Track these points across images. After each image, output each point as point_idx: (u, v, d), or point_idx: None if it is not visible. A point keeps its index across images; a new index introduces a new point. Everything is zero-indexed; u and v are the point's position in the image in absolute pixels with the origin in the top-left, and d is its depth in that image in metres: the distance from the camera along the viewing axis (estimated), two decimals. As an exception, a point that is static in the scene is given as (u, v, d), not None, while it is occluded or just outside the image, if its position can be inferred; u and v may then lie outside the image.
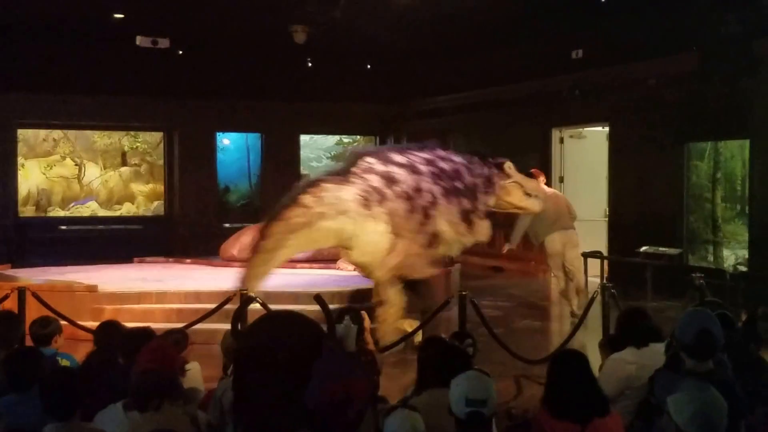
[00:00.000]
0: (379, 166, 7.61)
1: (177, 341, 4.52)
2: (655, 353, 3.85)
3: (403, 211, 7.44)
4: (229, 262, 11.01)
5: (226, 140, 16.02)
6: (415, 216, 7.45)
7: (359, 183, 7.45)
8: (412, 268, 7.49)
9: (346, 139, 17.13)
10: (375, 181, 7.50)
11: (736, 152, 10.19)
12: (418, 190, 7.51)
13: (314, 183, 7.63)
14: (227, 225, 14.17)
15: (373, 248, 7.44)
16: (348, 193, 7.40)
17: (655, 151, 10.86)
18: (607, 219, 12.00)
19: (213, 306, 7.20)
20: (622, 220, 11.41)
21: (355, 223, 7.37)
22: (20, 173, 14.60)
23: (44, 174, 14.94)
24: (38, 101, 14.01)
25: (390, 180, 7.53)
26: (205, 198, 15.30)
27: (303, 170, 16.54)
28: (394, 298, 7.44)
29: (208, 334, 6.59)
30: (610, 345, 4.33)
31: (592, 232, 12.04)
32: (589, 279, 10.96)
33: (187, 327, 6.30)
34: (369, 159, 7.69)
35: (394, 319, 7.42)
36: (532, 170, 9.17)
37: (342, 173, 7.60)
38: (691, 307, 4.47)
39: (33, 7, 11.68)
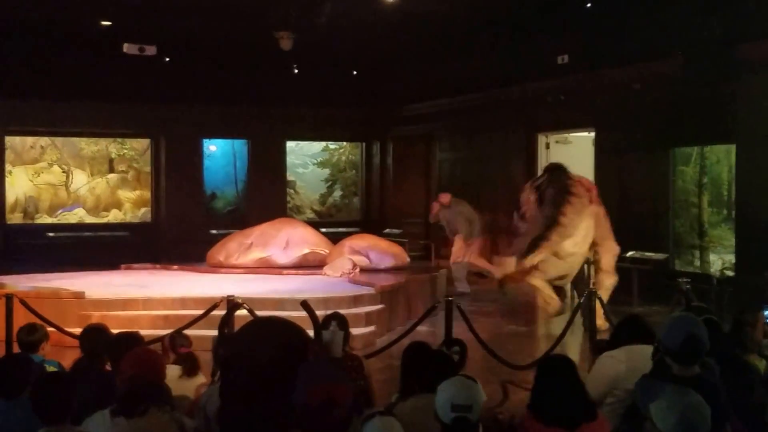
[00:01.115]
0: (573, 174, 8.98)
1: (182, 344, 4.54)
2: (647, 357, 3.85)
3: (603, 214, 8.87)
4: (215, 268, 10.99)
5: (212, 147, 16.00)
6: (607, 218, 8.92)
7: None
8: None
9: (332, 145, 17.15)
10: (586, 183, 8.98)
11: (722, 157, 10.26)
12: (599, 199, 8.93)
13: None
14: (214, 231, 14.13)
15: (583, 241, 8.66)
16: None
17: (641, 155, 10.93)
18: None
19: (199, 312, 7.17)
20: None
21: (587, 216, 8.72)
22: (7, 180, 14.53)
23: (32, 181, 14.88)
24: (25, 108, 13.96)
25: (586, 187, 8.86)
26: (191, 204, 15.26)
27: (289, 176, 16.56)
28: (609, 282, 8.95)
29: (195, 340, 6.55)
30: (605, 350, 4.31)
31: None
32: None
33: (174, 332, 6.27)
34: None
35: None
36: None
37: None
38: (677, 312, 4.49)
39: (20, 15, 11.65)
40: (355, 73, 15.61)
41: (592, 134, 12.10)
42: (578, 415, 3.09)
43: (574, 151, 12.77)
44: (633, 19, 10.83)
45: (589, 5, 10.80)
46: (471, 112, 14.14)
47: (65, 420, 3.11)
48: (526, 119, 12.97)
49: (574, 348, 7.79)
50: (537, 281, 9.09)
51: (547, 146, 12.91)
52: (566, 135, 12.89)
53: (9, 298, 6.98)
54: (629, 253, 10.30)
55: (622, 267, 10.22)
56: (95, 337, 4.33)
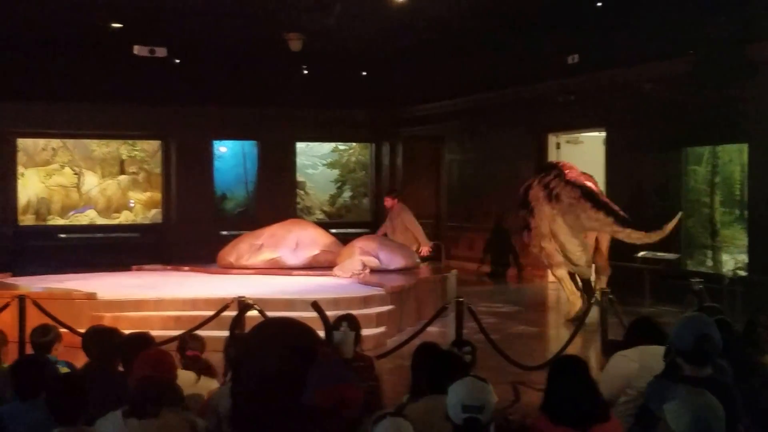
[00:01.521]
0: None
1: (192, 348, 4.52)
2: (660, 357, 3.84)
3: None
4: (226, 269, 11.02)
5: (222, 148, 16.05)
6: None
7: None
8: None
9: (341, 146, 17.16)
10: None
11: (735, 156, 10.20)
12: None
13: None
14: (224, 232, 14.16)
15: None
16: None
17: (652, 155, 10.89)
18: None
19: (211, 313, 7.19)
20: (619, 225, 11.40)
21: None
22: (20, 182, 14.62)
23: (43, 183, 14.96)
24: (37, 111, 14.04)
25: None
26: (202, 205, 15.30)
27: (299, 177, 16.58)
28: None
29: (206, 341, 6.57)
30: (617, 350, 4.30)
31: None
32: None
33: (184, 334, 6.28)
34: None
35: None
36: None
37: None
38: (689, 313, 4.46)
39: (31, 17, 11.71)
40: (364, 73, 15.62)
41: (603, 134, 12.07)
42: (591, 416, 3.07)
43: (585, 151, 12.74)
44: (644, 18, 10.79)
45: (599, 4, 10.77)
46: (480, 112, 14.13)
47: (79, 420, 3.14)
48: (536, 119, 12.94)
49: (584, 349, 7.76)
50: (560, 272, 9.48)
51: (558, 146, 12.89)
52: (577, 135, 12.86)
53: (22, 299, 7.02)
54: (640, 253, 10.26)
55: (633, 267, 10.20)
56: (98, 339, 4.33)
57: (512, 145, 13.44)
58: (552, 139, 12.89)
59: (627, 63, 11.01)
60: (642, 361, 3.87)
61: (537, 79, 12.65)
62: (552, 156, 12.82)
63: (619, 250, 10.87)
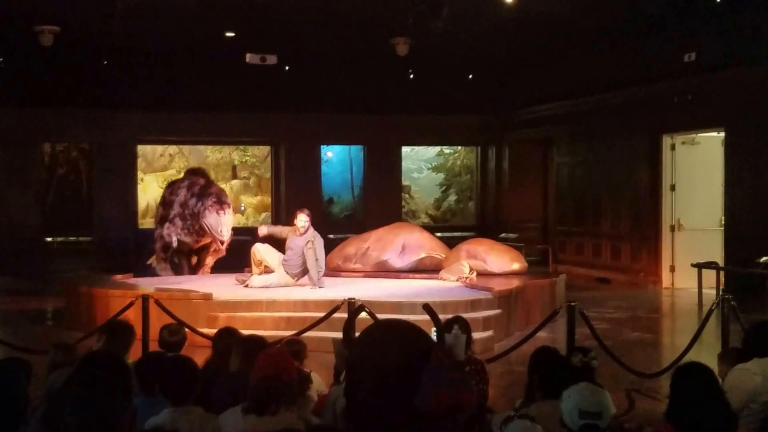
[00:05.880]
0: None
1: (297, 351, 4.60)
2: (783, 366, 3.67)
3: None
4: (334, 271, 11.21)
5: (329, 153, 16.35)
6: None
7: None
8: None
9: (447, 150, 17.13)
10: None
11: None
12: None
13: None
14: (331, 236, 14.34)
15: None
16: None
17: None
18: (722, 228, 11.49)
19: (321, 315, 7.33)
20: (740, 229, 10.88)
21: None
22: (139, 187, 15.38)
23: (161, 188, 15.65)
24: (156, 119, 14.72)
25: None
26: (309, 209, 15.53)
27: (404, 181, 16.66)
28: None
29: (317, 342, 6.71)
30: (737, 359, 4.14)
31: (706, 241, 11.57)
32: (704, 291, 10.51)
33: (296, 335, 6.44)
34: None
35: None
36: None
37: None
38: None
39: (150, 31, 12.32)
40: (470, 77, 15.55)
41: (722, 135, 11.53)
42: (719, 425, 2.94)
43: (702, 152, 12.23)
44: (766, 12, 10.24)
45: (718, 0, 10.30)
46: (591, 114, 13.78)
47: (189, 401, 3.38)
48: (649, 120, 12.51)
49: (702, 357, 7.43)
50: None
51: (672, 147, 12.41)
52: (693, 136, 12.35)
53: (145, 298, 7.36)
54: (763, 259, 9.74)
55: (756, 272, 9.69)
56: (227, 338, 4.49)
57: (625, 147, 13.04)
58: (666, 141, 12.43)
59: (748, 61, 10.48)
60: (764, 373, 3.71)
61: (651, 79, 12.23)
62: (666, 158, 12.36)
63: (742, 256, 10.37)
